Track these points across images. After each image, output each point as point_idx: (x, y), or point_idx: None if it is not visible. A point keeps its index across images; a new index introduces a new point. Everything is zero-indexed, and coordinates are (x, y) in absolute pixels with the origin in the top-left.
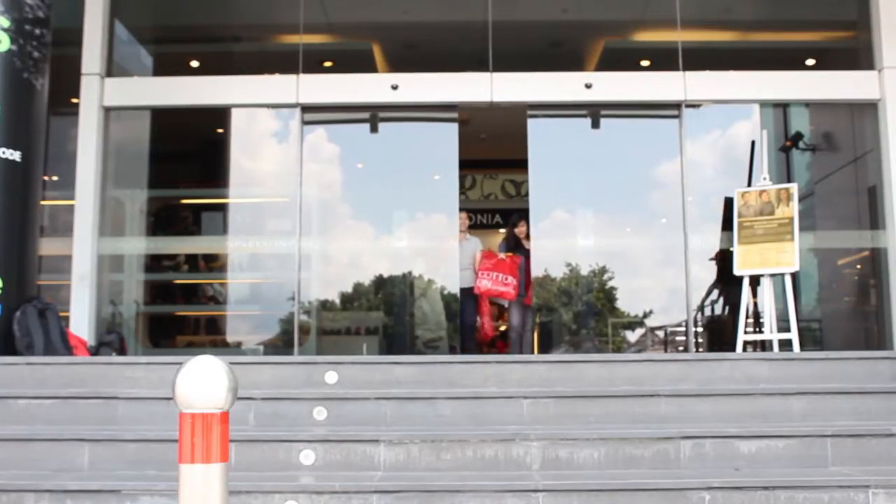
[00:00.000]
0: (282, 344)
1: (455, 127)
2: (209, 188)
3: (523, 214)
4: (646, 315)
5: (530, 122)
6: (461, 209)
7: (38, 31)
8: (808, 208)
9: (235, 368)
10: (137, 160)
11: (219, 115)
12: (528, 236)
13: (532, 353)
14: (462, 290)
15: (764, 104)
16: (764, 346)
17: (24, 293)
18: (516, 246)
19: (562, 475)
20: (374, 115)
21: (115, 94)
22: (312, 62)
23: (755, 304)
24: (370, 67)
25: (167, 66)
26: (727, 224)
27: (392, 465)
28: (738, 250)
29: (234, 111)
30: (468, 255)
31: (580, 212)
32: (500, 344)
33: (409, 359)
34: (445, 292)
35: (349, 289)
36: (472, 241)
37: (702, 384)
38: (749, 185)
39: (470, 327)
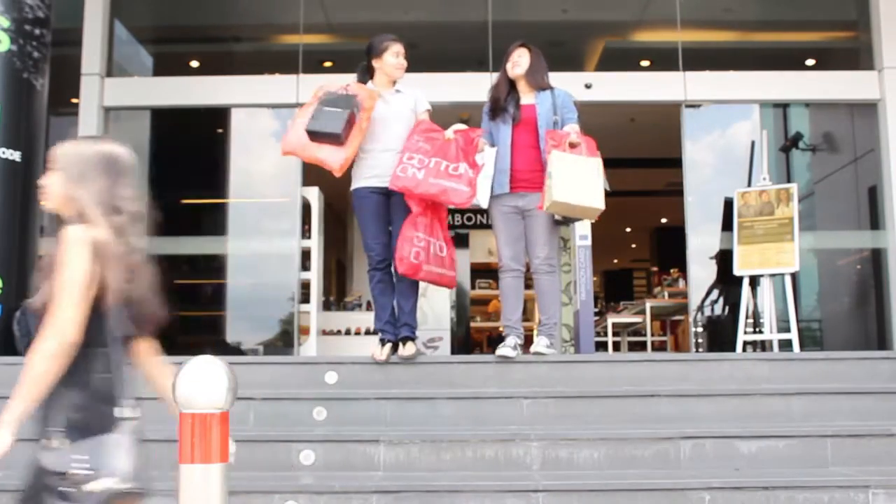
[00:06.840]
0: (282, 344)
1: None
2: (209, 188)
3: (522, 41)
4: None
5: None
6: (391, 36)
7: (38, 31)
8: (808, 208)
9: (235, 368)
10: (137, 160)
11: (219, 115)
12: (534, 80)
13: (554, 307)
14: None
15: (764, 104)
16: (764, 346)
17: (24, 293)
18: (507, 104)
19: (562, 475)
20: None
21: (115, 94)
22: (312, 62)
23: (755, 305)
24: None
25: (167, 66)
26: (727, 224)
27: (392, 465)
28: (737, 250)
29: (234, 111)
30: (399, 121)
31: None
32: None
33: None
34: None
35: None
36: (408, 96)
37: (702, 384)
38: (749, 185)
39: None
